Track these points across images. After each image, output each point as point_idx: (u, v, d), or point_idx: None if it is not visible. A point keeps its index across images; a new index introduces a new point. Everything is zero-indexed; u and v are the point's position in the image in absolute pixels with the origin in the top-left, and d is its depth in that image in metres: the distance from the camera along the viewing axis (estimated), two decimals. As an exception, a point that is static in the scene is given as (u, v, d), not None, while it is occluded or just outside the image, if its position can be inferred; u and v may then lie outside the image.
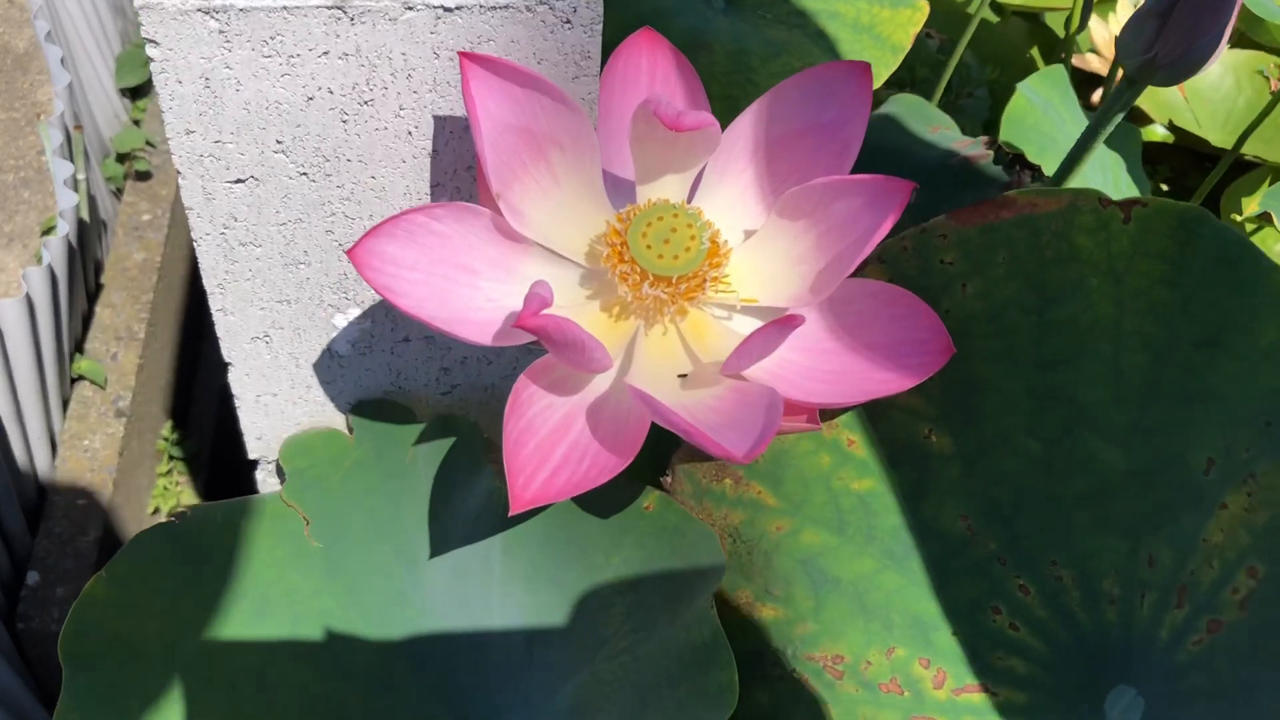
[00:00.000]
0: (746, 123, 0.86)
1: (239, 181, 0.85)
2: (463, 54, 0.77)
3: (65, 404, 1.77)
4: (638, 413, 0.81)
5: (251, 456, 1.04)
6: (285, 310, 0.94)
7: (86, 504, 1.72)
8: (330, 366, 0.98)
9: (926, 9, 1.36)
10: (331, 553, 0.95)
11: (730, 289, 0.84)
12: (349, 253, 0.77)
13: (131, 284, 1.92)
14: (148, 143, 2.00)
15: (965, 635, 0.83)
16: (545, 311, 0.73)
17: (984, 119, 1.61)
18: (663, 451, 0.99)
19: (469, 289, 0.82)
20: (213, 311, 0.93)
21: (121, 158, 1.99)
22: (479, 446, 0.95)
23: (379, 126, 0.84)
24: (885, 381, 0.80)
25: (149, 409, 1.88)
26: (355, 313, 0.95)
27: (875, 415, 0.87)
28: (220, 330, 0.94)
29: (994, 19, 1.75)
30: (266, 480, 1.06)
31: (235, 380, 0.98)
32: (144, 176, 1.99)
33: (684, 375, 0.83)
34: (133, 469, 1.81)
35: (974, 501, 0.84)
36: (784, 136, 0.86)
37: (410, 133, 0.85)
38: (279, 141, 0.84)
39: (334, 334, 0.96)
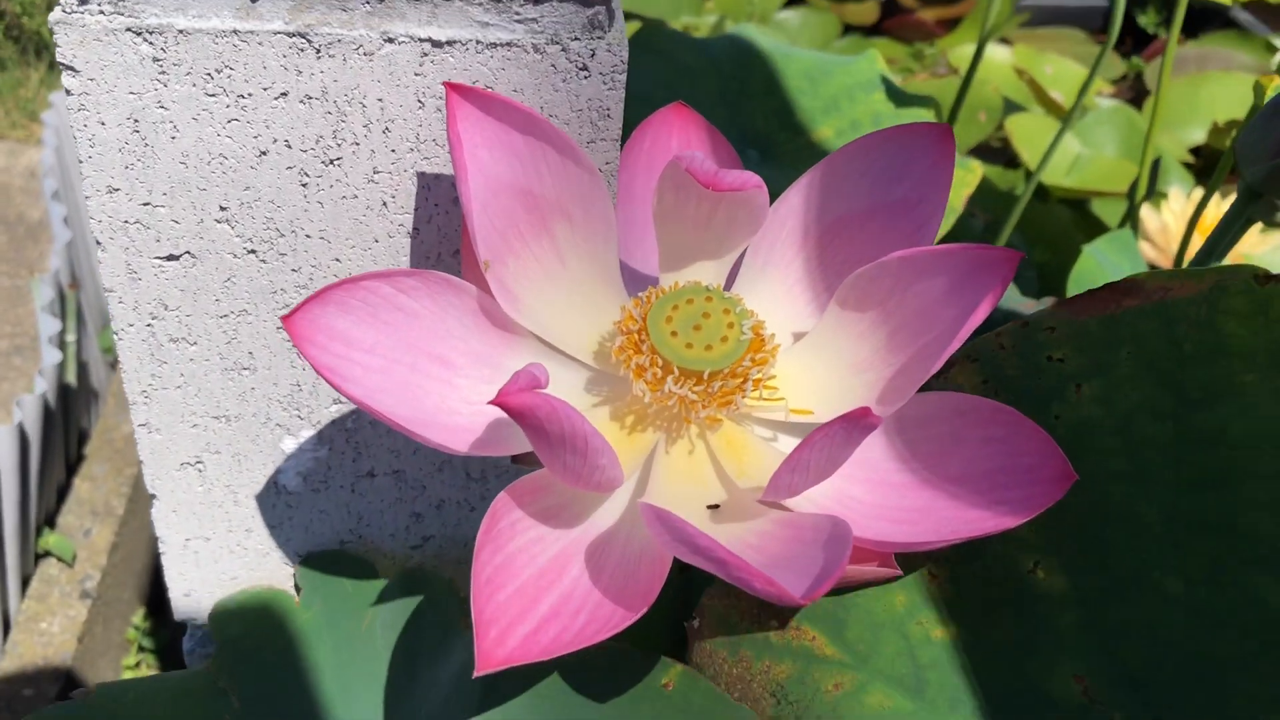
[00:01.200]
0: (796, 201, 0.67)
1: (171, 258, 0.66)
2: (450, 85, 0.59)
3: (26, 582, 1.54)
4: (653, 554, 0.59)
5: (178, 618, 0.82)
6: (223, 430, 0.73)
7: (33, 695, 1.47)
8: (276, 506, 0.77)
9: (980, 171, 1.19)
10: (263, 745, 0.72)
11: (777, 395, 0.63)
12: (285, 320, 0.57)
13: (116, 456, 1.72)
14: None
15: None
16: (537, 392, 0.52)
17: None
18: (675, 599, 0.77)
19: (443, 385, 0.61)
20: (135, 427, 0.72)
21: (122, 328, 1.82)
22: (452, 608, 0.73)
23: (347, 194, 0.65)
24: (979, 520, 0.58)
25: (120, 593, 1.65)
26: (308, 436, 0.74)
27: (965, 544, 0.64)
28: (143, 451, 0.73)
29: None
30: (197, 650, 0.83)
31: (160, 518, 0.77)
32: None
33: (715, 506, 0.61)
34: (94, 658, 1.56)
35: (1095, 659, 0.62)
36: (844, 219, 0.66)
37: (385, 204, 0.66)
38: (222, 208, 0.65)
39: (281, 462, 0.75)
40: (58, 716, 0.70)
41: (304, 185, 0.64)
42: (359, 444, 0.74)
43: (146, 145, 0.62)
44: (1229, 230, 0.76)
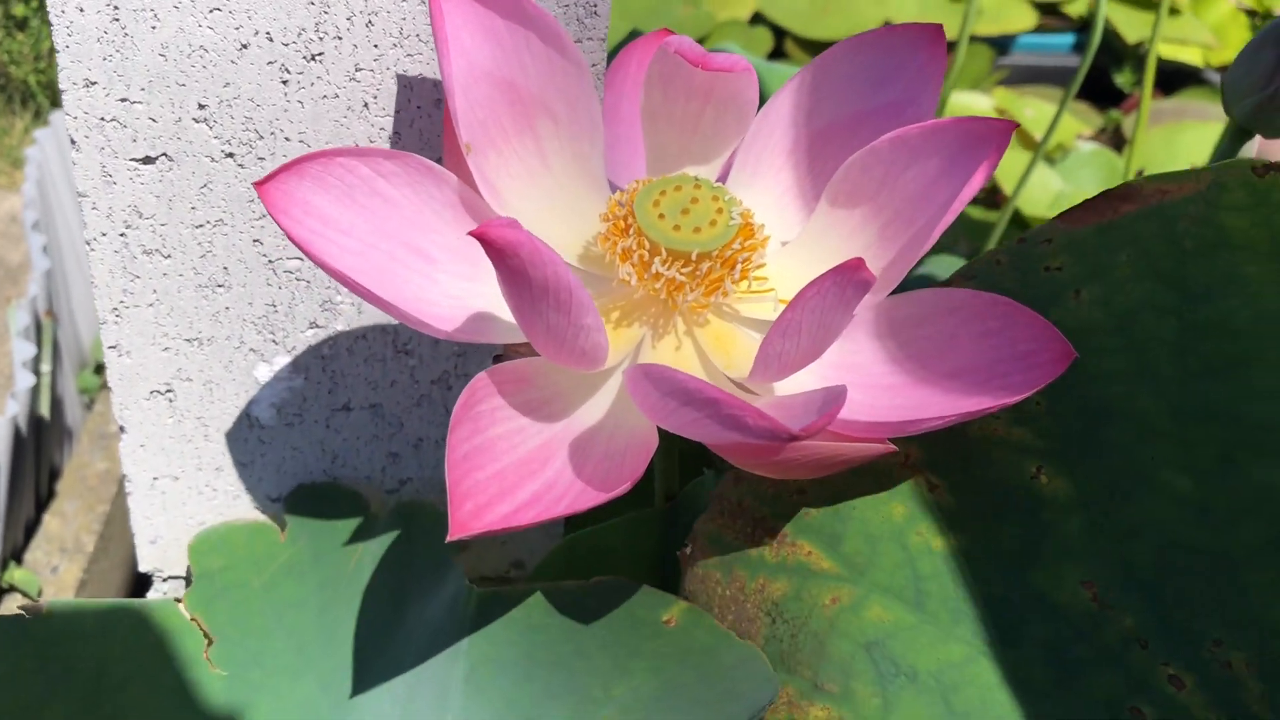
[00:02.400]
0: (784, 107, 0.66)
1: (148, 161, 0.65)
2: (432, -37, 0.58)
3: (-11, 616, 1.49)
4: (638, 444, 0.57)
5: (143, 569, 0.78)
6: (195, 354, 0.71)
7: (-7, 728, 1.41)
8: (248, 440, 0.74)
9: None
10: (237, 684, 0.68)
11: (766, 287, 0.62)
12: (258, 185, 0.55)
13: (89, 493, 1.68)
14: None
15: (1095, 753, 0.57)
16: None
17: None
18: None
19: (422, 278, 0.59)
20: (105, 350, 0.70)
21: (100, 368, 1.80)
22: (444, 540, 0.70)
23: (328, 93, 0.64)
24: (976, 404, 0.56)
25: (86, 633, 1.60)
26: (283, 363, 0.72)
27: (965, 451, 0.62)
28: (113, 377, 0.71)
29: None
30: (159, 605, 0.80)
31: (128, 454, 0.74)
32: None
33: None
34: (56, 697, 1.51)
35: (1102, 563, 0.59)
36: (832, 125, 0.65)
37: (367, 105, 0.65)
38: (201, 105, 0.64)
39: (255, 392, 0.73)
40: (7, 630, 0.66)
41: (285, 83, 0.63)
42: (335, 373, 0.72)
43: (126, 35, 0.61)
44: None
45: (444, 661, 0.66)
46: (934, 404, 0.58)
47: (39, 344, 1.60)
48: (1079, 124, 1.86)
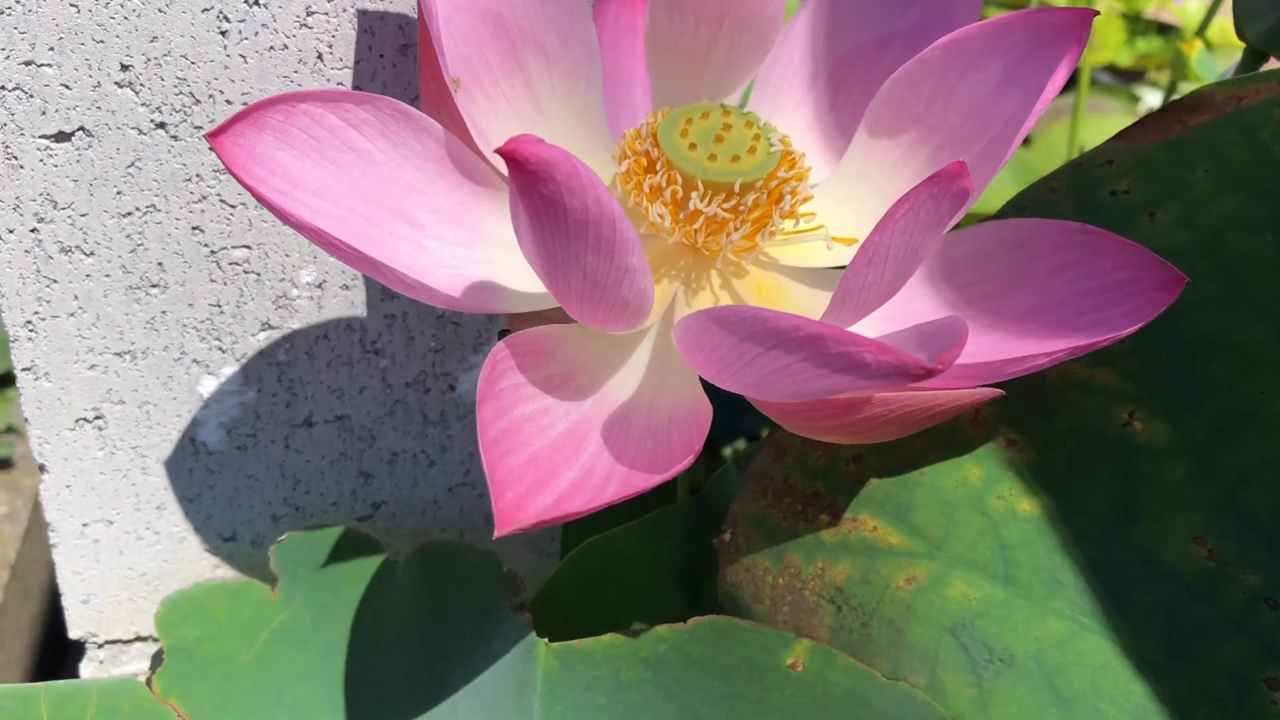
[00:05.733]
0: (801, 34, 0.58)
1: (61, 137, 0.54)
2: (402, -127, 0.49)
3: None
4: (686, 416, 0.48)
5: (74, 635, 0.66)
6: (128, 370, 0.59)
7: None
8: (194, 471, 0.63)
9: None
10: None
11: (814, 225, 0.53)
12: (211, 137, 0.45)
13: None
14: (10, 428, 1.64)
15: (1228, 729, 0.49)
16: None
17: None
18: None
19: (410, 246, 0.49)
20: (18, 372, 0.58)
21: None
22: (491, 585, 0.58)
23: (275, 43, 0.54)
24: (1075, 349, 0.48)
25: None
26: (232, 374, 0.61)
27: (1044, 402, 0.54)
28: (29, 406, 0.59)
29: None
30: (96, 677, 0.67)
31: (50, 498, 0.62)
32: (3, 464, 1.62)
33: None
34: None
35: (1214, 514, 0.51)
36: (855, 51, 0.57)
37: (321, 56, 0.55)
38: (124, 66, 0.53)
39: (200, 411, 0.61)
40: None
41: (223, 34, 0.53)
42: (294, 382, 0.61)
43: (29, -17, 0.51)
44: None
45: None
46: (1016, 345, 0.50)
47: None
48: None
